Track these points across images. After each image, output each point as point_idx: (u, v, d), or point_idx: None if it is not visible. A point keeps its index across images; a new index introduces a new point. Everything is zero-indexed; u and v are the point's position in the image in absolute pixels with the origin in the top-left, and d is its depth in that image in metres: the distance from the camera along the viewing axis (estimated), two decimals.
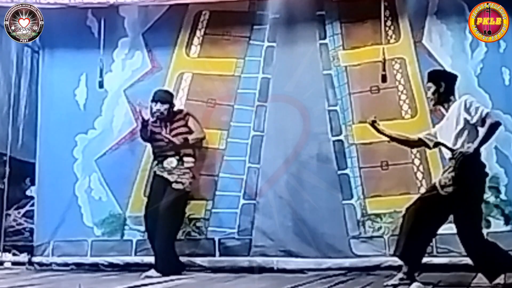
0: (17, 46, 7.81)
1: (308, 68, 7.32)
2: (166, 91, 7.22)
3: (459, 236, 5.58)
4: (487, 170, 5.58)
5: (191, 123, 7.08)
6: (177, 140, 6.91)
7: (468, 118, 5.38)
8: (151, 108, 7.08)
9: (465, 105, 5.42)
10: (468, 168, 5.33)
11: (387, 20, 7.08)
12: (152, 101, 7.07)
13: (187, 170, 6.99)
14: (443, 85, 5.60)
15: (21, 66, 8.00)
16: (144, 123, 7.02)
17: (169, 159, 6.97)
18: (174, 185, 6.92)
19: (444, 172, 5.55)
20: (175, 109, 7.18)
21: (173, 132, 7.01)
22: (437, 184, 5.50)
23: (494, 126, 5.39)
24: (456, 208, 5.44)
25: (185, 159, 7.01)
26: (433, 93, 5.64)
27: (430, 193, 5.58)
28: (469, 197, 5.38)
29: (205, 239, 7.36)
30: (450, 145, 5.47)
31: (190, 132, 7.04)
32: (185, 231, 7.34)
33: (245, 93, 7.49)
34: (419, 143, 5.91)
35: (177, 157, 6.96)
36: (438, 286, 5.73)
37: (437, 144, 5.73)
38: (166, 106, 7.04)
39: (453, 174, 5.38)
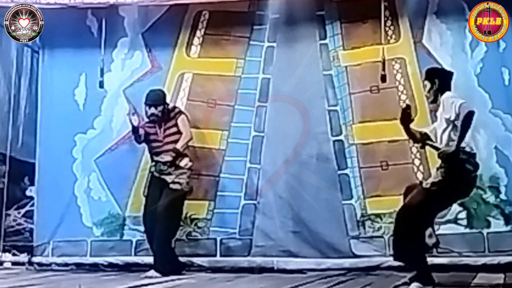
0: (17, 46, 7.82)
1: (308, 68, 7.32)
2: (158, 93, 7.14)
3: None
4: (478, 166, 5.50)
5: (180, 122, 7.04)
6: (169, 157, 6.90)
7: (447, 116, 5.33)
8: (146, 111, 7.08)
9: (443, 104, 5.38)
10: (450, 166, 5.28)
11: (387, 20, 7.08)
12: (146, 104, 7.06)
13: (185, 170, 6.98)
14: (437, 82, 5.53)
15: (21, 66, 8.01)
16: (135, 129, 7.04)
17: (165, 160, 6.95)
18: (172, 186, 6.92)
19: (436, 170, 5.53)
20: (170, 106, 7.19)
21: (166, 133, 7.02)
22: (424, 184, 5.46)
23: (468, 116, 5.20)
24: (439, 206, 5.47)
25: (181, 161, 6.99)
26: (428, 91, 5.58)
27: (417, 191, 5.50)
28: (449, 194, 5.38)
29: (206, 239, 7.36)
30: (437, 144, 5.46)
31: (179, 132, 7.01)
32: (187, 231, 7.35)
33: (245, 93, 7.50)
34: (424, 137, 5.75)
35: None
36: (438, 286, 5.71)
37: (425, 144, 5.69)
38: (160, 108, 7.02)
39: (439, 172, 5.34)
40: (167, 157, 6.92)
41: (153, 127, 7.09)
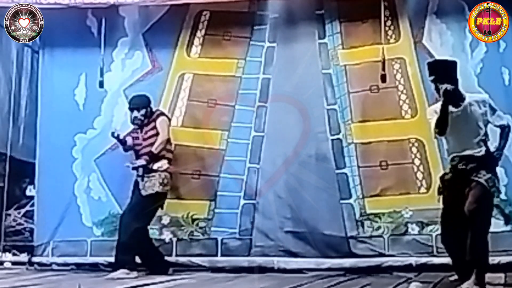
0: (17, 46, 7.83)
1: (308, 68, 7.32)
2: (141, 97, 7.07)
3: None
4: None
5: (158, 123, 6.91)
6: (143, 161, 6.82)
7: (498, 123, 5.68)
8: (130, 116, 7.03)
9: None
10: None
11: (387, 20, 7.09)
12: (129, 108, 7.04)
13: (157, 173, 6.84)
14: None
15: (21, 66, 8.02)
16: (122, 141, 7.05)
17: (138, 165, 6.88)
18: (142, 192, 6.82)
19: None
20: (154, 109, 7.11)
21: (145, 135, 6.94)
22: None
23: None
24: None
25: (154, 164, 6.87)
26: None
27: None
28: None
29: (207, 239, 7.36)
30: None
31: (157, 134, 6.89)
32: (189, 231, 7.35)
33: (245, 93, 7.50)
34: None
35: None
36: (438, 286, 5.71)
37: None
38: (143, 111, 6.95)
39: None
40: (141, 161, 6.85)
41: (135, 131, 7.05)
